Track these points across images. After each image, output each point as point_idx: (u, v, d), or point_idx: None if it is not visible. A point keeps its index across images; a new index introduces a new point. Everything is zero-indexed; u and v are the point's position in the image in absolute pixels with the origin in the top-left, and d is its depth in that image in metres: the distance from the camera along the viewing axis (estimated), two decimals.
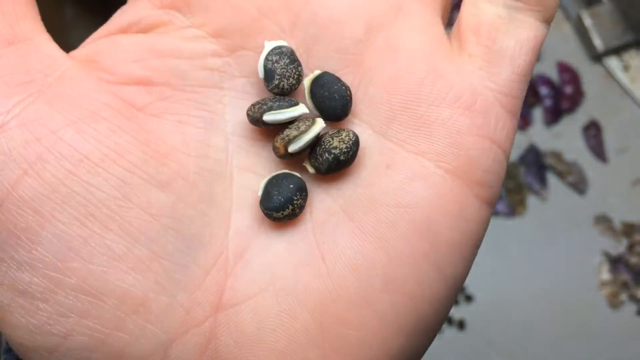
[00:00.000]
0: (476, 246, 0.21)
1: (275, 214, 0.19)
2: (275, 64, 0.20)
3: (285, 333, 0.19)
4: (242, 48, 0.21)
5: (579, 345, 0.61)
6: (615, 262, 0.63)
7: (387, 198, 0.19)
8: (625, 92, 0.69)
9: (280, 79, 0.20)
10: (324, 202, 0.20)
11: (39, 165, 0.17)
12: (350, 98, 0.20)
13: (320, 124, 0.20)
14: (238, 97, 0.21)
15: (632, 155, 0.67)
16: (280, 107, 0.20)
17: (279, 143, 0.20)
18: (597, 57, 0.69)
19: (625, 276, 0.63)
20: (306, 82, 0.21)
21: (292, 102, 0.20)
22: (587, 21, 0.68)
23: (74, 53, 0.21)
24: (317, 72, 0.20)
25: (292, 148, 0.20)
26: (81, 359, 0.18)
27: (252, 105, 0.20)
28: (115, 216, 0.18)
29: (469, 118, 0.20)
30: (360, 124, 0.21)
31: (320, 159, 0.20)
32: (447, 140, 0.20)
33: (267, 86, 0.21)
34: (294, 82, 0.20)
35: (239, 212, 0.20)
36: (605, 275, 0.63)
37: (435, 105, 0.20)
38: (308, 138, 0.20)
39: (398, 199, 0.19)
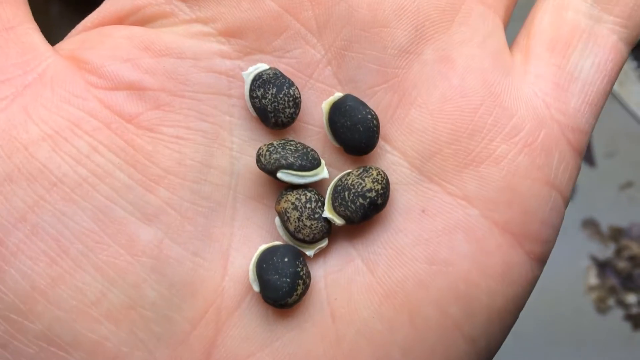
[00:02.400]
0: (519, 311, 0.17)
1: (289, 300, 0.16)
2: (263, 100, 0.17)
3: None
4: (257, 51, 0.18)
5: (565, 350, 0.60)
6: (603, 267, 0.63)
7: (418, 250, 0.16)
8: (614, 96, 0.68)
9: (274, 115, 0.17)
10: (341, 245, 0.17)
11: (7, 188, 0.15)
12: (378, 129, 0.17)
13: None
14: (246, 106, 0.18)
15: (620, 160, 0.66)
16: (301, 169, 0.17)
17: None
18: None
19: (612, 281, 0.62)
20: (325, 106, 0.17)
21: (315, 163, 0.17)
22: None
23: (60, 46, 0.18)
24: (337, 95, 0.17)
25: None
26: None
27: (267, 150, 0.17)
28: (90, 254, 0.15)
29: (528, 157, 0.17)
30: (393, 154, 0.17)
31: (353, 206, 0.17)
32: (500, 183, 0.17)
33: (267, 125, 0.18)
34: (291, 111, 0.17)
35: (238, 251, 0.17)
36: (593, 279, 0.62)
37: (490, 139, 0.17)
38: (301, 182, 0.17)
39: (432, 253, 0.16)
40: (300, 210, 0.17)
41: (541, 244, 0.17)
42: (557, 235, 0.18)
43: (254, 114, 0.18)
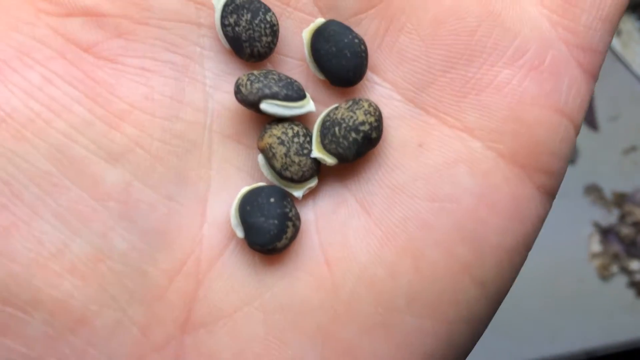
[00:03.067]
0: (528, 250, 0.16)
1: (278, 244, 0.15)
2: (236, 28, 0.16)
3: None
4: None
5: (567, 317, 0.60)
6: (606, 233, 0.62)
7: (418, 187, 0.15)
8: (617, 57, 0.67)
9: (249, 44, 0.16)
10: (331, 186, 0.16)
11: None
12: (366, 55, 0.16)
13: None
14: (217, 36, 0.16)
15: (623, 123, 0.65)
16: (287, 99, 0.15)
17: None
18: None
19: (616, 247, 0.62)
20: (306, 34, 0.16)
21: (301, 94, 0.16)
22: None
23: None
24: (319, 21, 0.16)
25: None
26: None
27: (248, 79, 0.15)
28: (47, 199, 0.14)
29: (535, 82, 0.15)
30: (384, 86, 0.16)
31: (345, 142, 0.15)
32: (504, 112, 0.15)
33: (241, 57, 0.16)
34: (269, 40, 0.16)
35: (217, 196, 0.15)
36: (596, 246, 0.62)
37: (491, 64, 0.15)
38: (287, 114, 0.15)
39: (433, 189, 0.15)
40: (288, 145, 0.15)
41: (551, 176, 0.16)
42: (567, 167, 0.16)
43: (227, 45, 0.16)
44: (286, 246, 0.15)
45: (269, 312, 0.15)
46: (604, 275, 0.61)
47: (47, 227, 0.14)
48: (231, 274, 0.15)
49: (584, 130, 0.65)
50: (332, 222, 0.15)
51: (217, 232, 0.15)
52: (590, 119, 0.65)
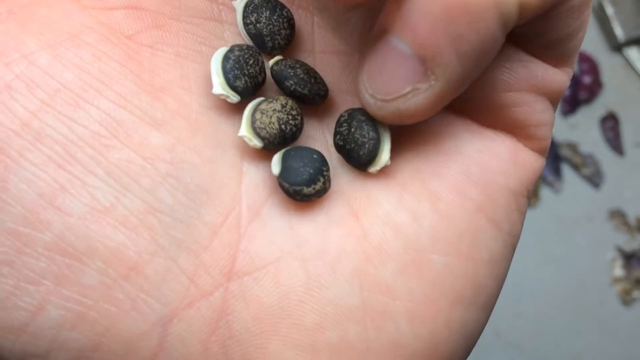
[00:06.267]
0: (528, 197, 0.18)
1: (306, 189, 0.16)
2: (258, 24, 0.17)
3: (316, 306, 0.15)
4: None
5: (588, 341, 0.60)
6: (629, 258, 0.62)
7: (424, 142, 0.17)
8: None
9: (271, 38, 0.17)
10: None
11: (6, 95, 0.14)
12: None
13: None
14: (239, 33, 0.18)
15: None
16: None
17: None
18: (617, 47, 0.67)
19: (638, 273, 0.61)
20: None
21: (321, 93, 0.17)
22: (609, 10, 0.66)
23: None
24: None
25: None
26: (55, 340, 0.14)
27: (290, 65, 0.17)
28: (100, 158, 0.15)
29: (523, 68, 0.16)
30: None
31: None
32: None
33: (264, 51, 0.18)
34: (287, 32, 0.17)
35: (252, 159, 0.17)
36: (619, 271, 0.62)
37: None
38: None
39: (438, 145, 0.16)
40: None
41: (538, 141, 0.17)
42: (551, 132, 0.18)
43: (250, 42, 0.18)
44: (311, 195, 0.16)
45: (308, 260, 0.16)
46: (626, 300, 0.61)
47: (100, 183, 0.15)
48: (269, 227, 0.16)
49: (610, 155, 0.65)
50: (354, 180, 0.17)
51: (254, 191, 0.16)
52: (615, 144, 0.65)
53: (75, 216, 0.14)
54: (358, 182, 0.17)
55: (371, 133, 0.16)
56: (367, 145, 0.16)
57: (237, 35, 0.18)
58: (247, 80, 0.17)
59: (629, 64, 0.68)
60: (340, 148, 0.17)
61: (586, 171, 0.64)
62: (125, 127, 0.15)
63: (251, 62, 0.17)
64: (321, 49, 0.18)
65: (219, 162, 0.16)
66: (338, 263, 0.16)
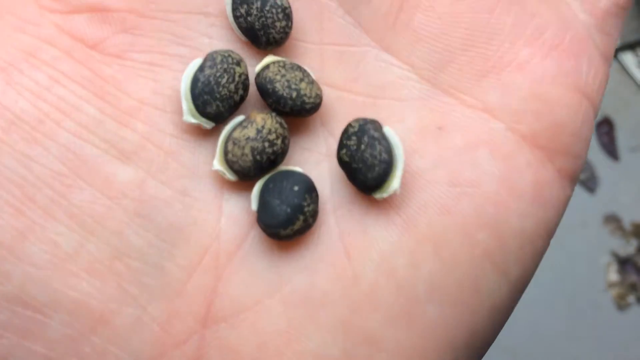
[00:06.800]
0: (551, 236, 0.15)
1: (282, 232, 0.14)
2: (249, 17, 0.15)
3: (295, 357, 0.14)
4: None
5: (583, 346, 0.59)
6: (624, 263, 0.62)
7: (438, 172, 0.15)
8: (639, 88, 0.67)
9: (264, 32, 0.15)
10: None
11: None
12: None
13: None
14: (230, 27, 0.16)
15: None
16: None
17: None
18: None
19: (633, 278, 0.61)
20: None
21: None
22: None
23: None
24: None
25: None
26: None
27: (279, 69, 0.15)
28: (61, 200, 0.13)
29: (555, 61, 0.15)
30: (400, 67, 0.15)
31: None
32: (526, 92, 0.15)
33: (258, 47, 0.16)
34: (283, 24, 0.15)
35: (233, 188, 0.15)
36: (613, 276, 0.62)
37: (511, 42, 0.15)
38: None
39: (454, 173, 0.14)
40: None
41: (573, 159, 0.15)
42: (587, 150, 0.16)
43: (243, 37, 0.16)
44: (289, 237, 0.14)
45: (290, 305, 0.14)
46: (621, 304, 0.61)
47: (62, 228, 0.13)
48: (250, 267, 0.14)
49: (604, 160, 0.65)
50: (352, 212, 0.15)
51: (234, 224, 0.15)
52: (610, 149, 0.65)
53: (35, 266, 0.13)
54: (356, 212, 0.15)
55: (383, 155, 0.14)
56: (376, 168, 0.14)
57: (225, 29, 0.16)
58: (218, 105, 0.15)
59: (623, 68, 0.68)
60: (344, 164, 0.15)
61: (581, 176, 0.64)
62: (88, 163, 0.14)
63: (224, 80, 0.15)
64: (330, 40, 0.16)
65: (196, 194, 0.15)
66: (322, 310, 0.14)
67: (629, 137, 0.66)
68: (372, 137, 0.14)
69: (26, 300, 0.13)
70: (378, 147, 0.14)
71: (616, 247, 0.62)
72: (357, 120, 0.15)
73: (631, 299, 0.61)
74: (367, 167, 0.14)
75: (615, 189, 0.64)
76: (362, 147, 0.15)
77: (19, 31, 0.14)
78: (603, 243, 0.63)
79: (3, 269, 0.13)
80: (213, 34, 0.15)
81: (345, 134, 0.15)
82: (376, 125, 0.15)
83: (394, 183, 0.14)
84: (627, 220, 0.63)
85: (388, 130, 0.15)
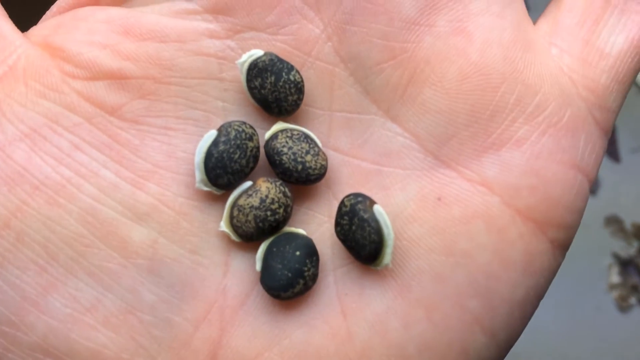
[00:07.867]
0: (539, 300, 0.16)
1: (283, 294, 0.15)
2: (262, 90, 0.16)
3: None
4: (249, 28, 0.16)
5: (585, 348, 0.59)
6: (626, 265, 0.62)
7: (435, 241, 0.15)
8: None
9: (277, 105, 0.16)
10: None
11: None
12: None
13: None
14: (243, 91, 0.16)
15: None
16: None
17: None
18: None
19: (635, 279, 0.61)
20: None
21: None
22: None
23: (32, 32, 0.16)
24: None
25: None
26: None
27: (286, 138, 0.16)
28: (80, 259, 0.15)
29: (553, 138, 0.16)
30: (404, 136, 0.16)
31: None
32: (522, 168, 0.15)
33: (270, 114, 0.17)
34: (294, 98, 0.16)
35: (240, 246, 0.16)
36: (615, 277, 0.61)
37: (512, 120, 0.16)
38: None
39: (450, 244, 0.15)
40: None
41: (565, 230, 0.16)
42: (580, 219, 0.17)
43: (256, 104, 0.17)
44: (290, 298, 0.16)
45: (287, 358, 0.15)
46: (623, 306, 0.61)
47: (81, 284, 0.15)
48: (253, 321, 0.16)
49: (606, 161, 0.65)
50: (350, 273, 0.16)
51: (239, 281, 0.16)
52: (612, 150, 0.65)
53: (57, 319, 0.15)
54: (354, 273, 0.16)
55: (372, 236, 0.15)
56: (367, 248, 0.15)
57: (239, 92, 0.17)
58: (229, 177, 0.16)
59: None
60: (340, 240, 0.16)
61: None
62: (105, 225, 0.15)
63: (236, 156, 0.16)
64: (339, 107, 0.17)
65: (204, 252, 0.16)
66: None
67: (631, 139, 0.66)
68: (362, 219, 0.15)
69: (48, 350, 0.14)
70: (367, 229, 0.15)
71: (618, 248, 0.62)
72: (349, 198, 0.16)
73: (633, 300, 0.61)
74: (359, 246, 0.15)
75: (617, 191, 0.64)
76: (353, 227, 0.15)
77: (43, 97, 0.15)
78: (604, 245, 0.62)
79: (27, 321, 0.14)
80: (227, 97, 0.16)
81: (339, 212, 0.16)
82: (367, 204, 0.16)
83: (385, 259, 0.15)
84: (629, 221, 0.63)
85: (378, 209, 0.15)
